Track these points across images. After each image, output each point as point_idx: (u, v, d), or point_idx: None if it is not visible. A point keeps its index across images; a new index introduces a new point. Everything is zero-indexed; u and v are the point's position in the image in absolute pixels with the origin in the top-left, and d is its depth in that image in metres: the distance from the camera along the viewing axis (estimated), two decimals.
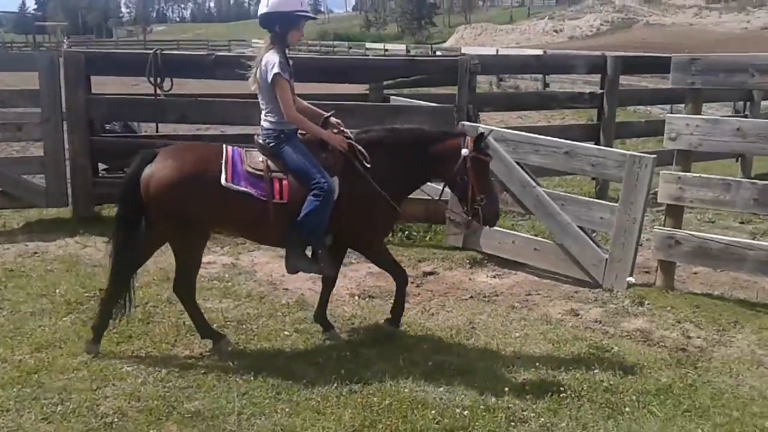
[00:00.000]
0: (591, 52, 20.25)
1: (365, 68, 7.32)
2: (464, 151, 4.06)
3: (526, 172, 5.84)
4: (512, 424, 3.41)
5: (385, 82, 7.34)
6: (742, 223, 7.46)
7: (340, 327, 4.54)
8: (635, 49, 33.63)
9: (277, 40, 4.02)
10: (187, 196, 3.81)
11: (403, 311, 4.50)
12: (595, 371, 3.94)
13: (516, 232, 6.31)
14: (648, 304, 5.08)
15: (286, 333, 4.45)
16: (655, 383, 3.80)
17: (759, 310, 4.96)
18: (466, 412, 3.47)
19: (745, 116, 9.58)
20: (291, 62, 4.13)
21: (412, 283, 5.56)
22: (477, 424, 3.38)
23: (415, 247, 6.44)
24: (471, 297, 5.32)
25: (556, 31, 62.24)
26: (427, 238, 6.70)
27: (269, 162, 3.98)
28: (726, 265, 5.29)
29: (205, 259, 5.92)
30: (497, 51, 23.15)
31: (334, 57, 12.83)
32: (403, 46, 38.65)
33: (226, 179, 3.84)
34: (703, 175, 5.35)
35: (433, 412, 3.48)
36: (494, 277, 5.82)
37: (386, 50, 34.89)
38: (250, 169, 3.93)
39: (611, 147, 7.35)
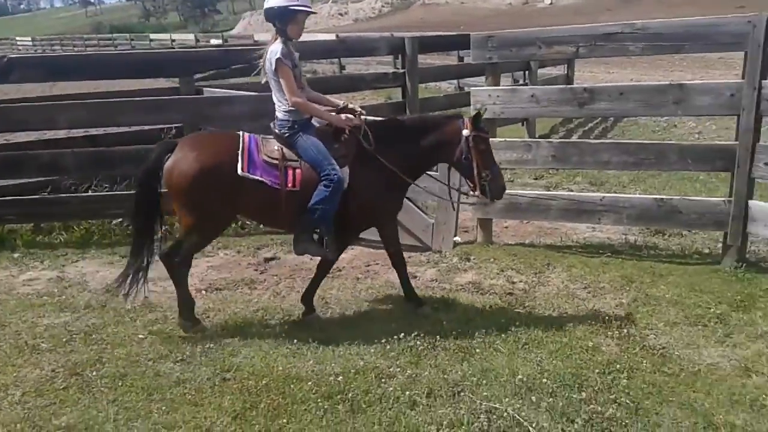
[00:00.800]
0: (382, 34, 21.18)
1: (181, 61, 7.12)
2: (465, 132, 4.26)
3: None
4: (382, 380, 3.69)
5: (198, 75, 7.21)
6: (536, 179, 8.44)
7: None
8: (418, 29, 35.66)
9: (279, 33, 4.20)
10: (207, 186, 4.04)
11: (412, 288, 4.72)
12: (444, 323, 4.36)
13: None
14: (474, 258, 5.65)
15: (141, 336, 4.35)
16: (495, 325, 4.30)
17: (565, 252, 5.75)
18: (339, 378, 3.69)
19: (525, 84, 10.76)
20: (297, 54, 4.31)
21: (256, 270, 5.66)
22: (352, 386, 3.62)
23: (251, 236, 6.50)
24: None
25: (341, 14, 63.82)
26: (261, 226, 6.78)
27: (284, 151, 4.20)
28: (533, 216, 6.03)
29: (26, 276, 5.56)
30: None
31: (146, 51, 12.10)
32: (190, 36, 37.19)
33: (242, 169, 4.07)
34: (507, 139, 6.03)
35: (310, 383, 3.66)
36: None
37: (173, 41, 33.44)
38: (265, 158, 4.15)
39: None
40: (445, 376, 3.72)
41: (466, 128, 4.26)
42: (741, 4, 37.92)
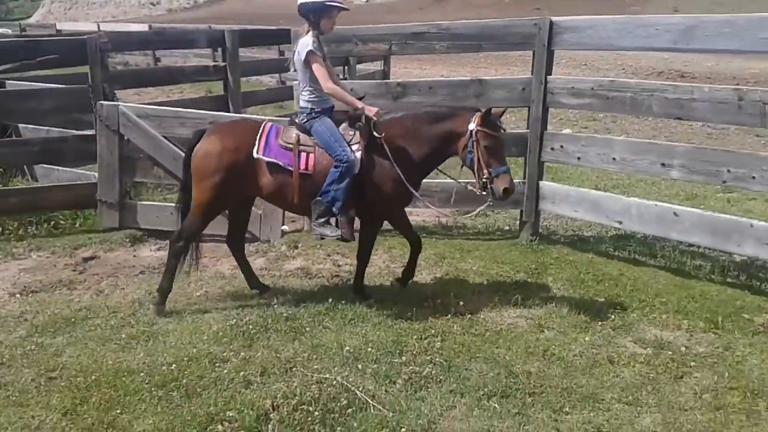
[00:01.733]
0: (199, 26, 20.63)
1: None
2: (471, 126, 4.23)
3: (176, 146, 6.08)
4: (217, 365, 3.81)
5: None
6: None
7: (11, 326, 4.33)
8: (236, 21, 35.06)
9: (312, 27, 4.36)
10: (224, 166, 4.32)
11: (413, 274, 4.89)
12: (275, 306, 4.55)
13: (173, 204, 6.55)
14: (301, 246, 5.88)
15: None
16: (323, 305, 4.57)
17: (385, 235, 6.14)
18: (173, 367, 3.75)
19: (344, 79, 11.15)
20: (326, 49, 4.47)
21: (74, 270, 5.46)
22: (186, 372, 3.71)
23: (67, 236, 6.22)
24: (141, 272, 5.45)
25: (152, 3, 60.79)
26: (77, 225, 6.51)
27: (301, 137, 4.40)
28: None
29: None
30: (98, 26, 21.81)
31: None
32: None
33: (257, 151, 4.34)
34: None
35: (142, 374, 3.69)
36: (159, 249, 5.99)
37: None
38: (282, 143, 4.37)
39: (238, 114, 7.96)
40: (278, 355, 3.92)
41: (474, 122, 4.23)
42: (537, 6, 41.61)
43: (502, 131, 4.29)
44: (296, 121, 4.52)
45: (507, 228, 6.47)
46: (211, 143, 4.40)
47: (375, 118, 4.32)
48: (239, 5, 56.99)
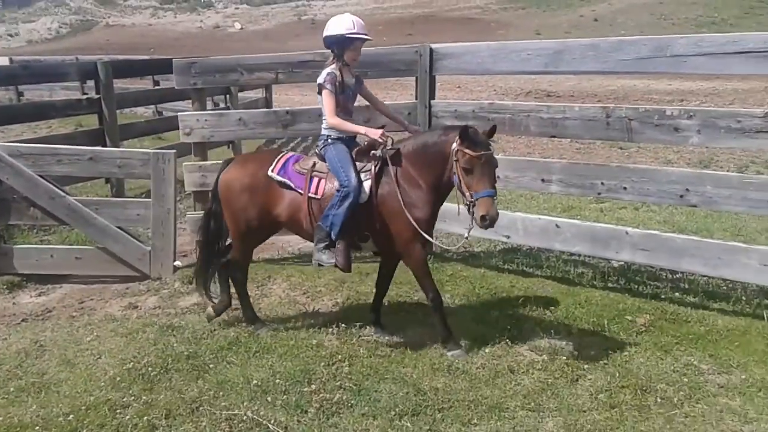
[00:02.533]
0: (65, 58, 19.61)
1: None
2: (453, 146, 4.02)
3: (52, 183, 5.77)
4: (117, 412, 3.63)
5: None
6: None
7: None
8: (101, 50, 33.68)
9: (336, 59, 4.42)
10: (243, 190, 4.46)
11: (449, 330, 4.39)
12: (174, 345, 4.40)
13: (53, 246, 6.21)
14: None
15: None
16: (225, 340, 4.47)
17: (283, 264, 6.13)
18: (70, 417, 3.55)
19: (227, 108, 11.02)
20: (353, 80, 4.57)
21: None
22: (85, 422, 3.52)
23: None
24: (24, 320, 5.12)
25: (11, 35, 57.25)
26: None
27: (318, 164, 4.43)
28: None
29: None
30: None
31: None
32: None
33: (272, 170, 4.44)
34: (220, 161, 6.21)
35: (37, 428, 3.46)
36: (39, 295, 5.65)
37: None
38: (297, 168, 4.43)
39: (119, 148, 7.67)
40: (182, 396, 3.79)
41: (455, 141, 3.97)
42: (409, 32, 42.94)
43: (486, 150, 3.87)
44: (316, 149, 4.61)
45: None
46: (233, 170, 4.59)
47: (380, 140, 4.25)
48: (107, 34, 54.86)
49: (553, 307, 4.98)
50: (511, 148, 11.82)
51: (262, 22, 59.68)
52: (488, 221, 3.84)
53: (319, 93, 4.42)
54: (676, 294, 5.24)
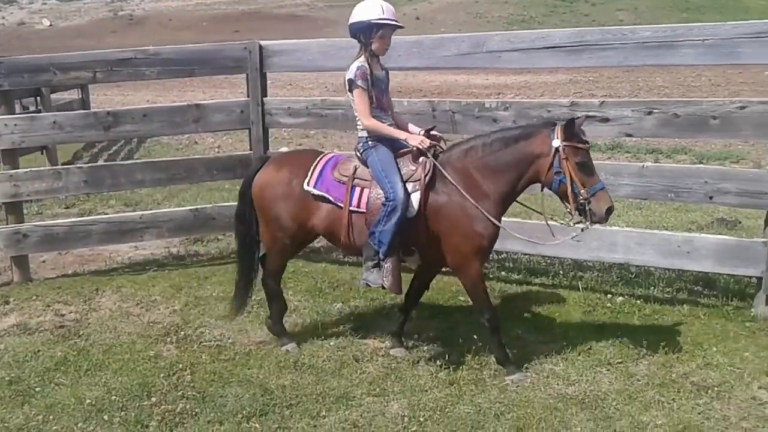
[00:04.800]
0: None
1: None
2: (555, 143, 3.65)
3: None
4: None
5: None
6: (67, 207, 8.09)
7: None
8: None
9: (364, 49, 3.97)
10: (276, 197, 4.09)
11: (506, 352, 3.99)
12: None
13: None
14: (14, 300, 5.23)
15: None
16: (53, 360, 4.14)
17: (112, 275, 5.77)
18: None
19: (39, 111, 10.13)
20: (384, 72, 4.12)
21: None
22: None
23: None
24: None
25: None
26: None
27: (359, 169, 3.97)
28: (73, 244, 5.84)
29: None
30: None
31: None
32: None
33: (308, 183, 4.00)
34: (33, 169, 5.72)
35: None
36: None
37: None
38: (337, 176, 3.98)
39: None
40: (6, 425, 3.47)
41: (557, 137, 3.67)
42: (236, 29, 42.05)
43: (589, 143, 3.72)
44: (356, 151, 4.13)
45: None
46: (267, 174, 4.20)
47: (421, 147, 3.89)
48: None
49: (394, 295, 5.13)
50: (345, 144, 12.01)
51: (74, 18, 55.58)
52: (612, 212, 3.71)
53: (350, 91, 4.00)
54: (503, 273, 5.63)
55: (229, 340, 4.45)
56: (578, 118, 3.73)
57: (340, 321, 4.71)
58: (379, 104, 4.06)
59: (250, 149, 6.08)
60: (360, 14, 3.96)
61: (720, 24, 4.57)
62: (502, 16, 45.26)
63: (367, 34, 3.97)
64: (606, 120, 4.80)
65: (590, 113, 4.83)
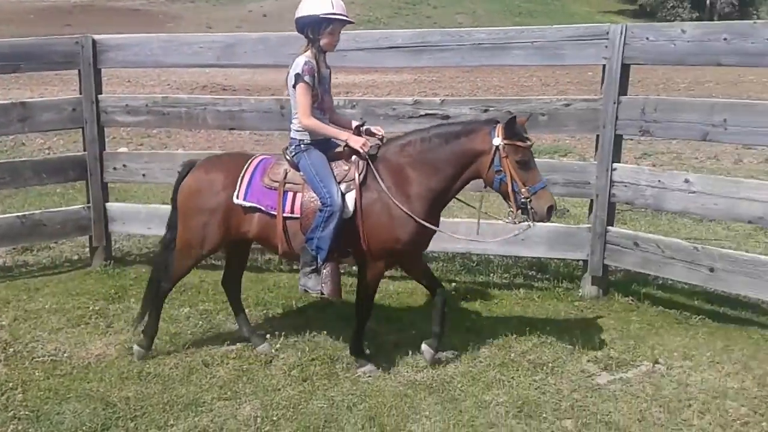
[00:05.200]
0: None
1: None
2: (495, 141, 3.61)
3: None
4: None
5: None
6: None
7: None
8: None
9: (311, 45, 3.81)
10: (200, 207, 3.90)
11: (362, 345, 4.04)
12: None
13: None
14: None
15: None
16: None
17: None
18: None
19: None
20: (329, 71, 3.95)
21: None
22: None
23: None
24: None
25: None
26: None
27: (290, 173, 3.85)
28: None
29: None
30: None
31: None
32: None
33: (237, 196, 3.84)
34: None
35: None
36: None
37: None
38: (267, 182, 3.84)
39: None
40: None
41: (497, 135, 3.61)
42: (68, 22, 39.29)
43: (530, 141, 3.70)
44: (285, 152, 3.95)
45: (76, 257, 6.08)
46: (195, 181, 3.99)
47: (362, 151, 3.75)
48: None
49: (244, 295, 5.04)
50: (190, 143, 11.62)
51: None
52: (554, 210, 3.70)
53: (294, 86, 3.79)
54: (353, 268, 5.71)
55: (65, 354, 4.16)
56: (520, 116, 3.75)
57: (188, 326, 4.56)
58: (321, 104, 3.92)
59: (84, 150, 5.70)
60: (308, 8, 3.79)
61: (546, 27, 4.94)
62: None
63: (316, 29, 3.81)
64: (447, 117, 5.01)
65: (432, 111, 5.05)
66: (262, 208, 3.84)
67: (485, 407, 3.57)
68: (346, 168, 3.82)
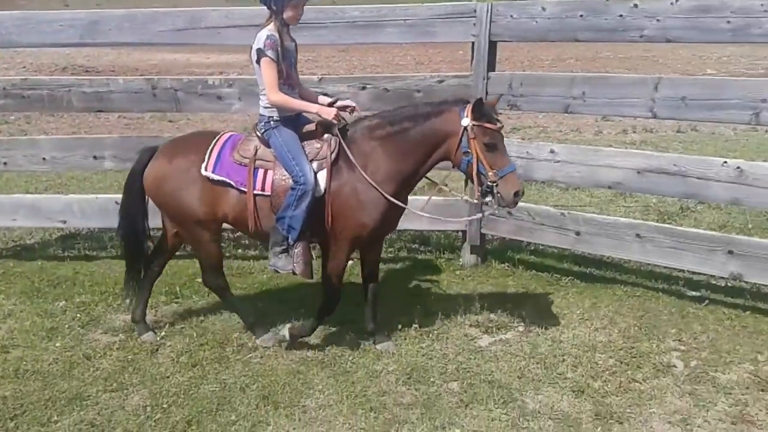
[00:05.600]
0: None
1: None
2: (464, 122, 3.54)
3: None
4: None
5: None
6: None
7: None
8: None
9: (274, 17, 3.66)
10: (175, 189, 3.74)
11: (308, 332, 4.01)
12: None
13: None
14: None
15: None
16: None
17: None
18: None
19: None
20: (294, 44, 3.83)
21: None
22: None
23: None
24: None
25: None
26: None
27: (260, 150, 3.74)
28: None
29: None
30: None
31: None
32: None
33: (205, 168, 3.71)
34: None
35: None
36: None
37: None
38: (237, 158, 3.73)
39: None
40: None
41: (466, 116, 3.53)
42: None
43: (500, 124, 3.58)
44: (255, 129, 3.83)
45: None
46: (161, 165, 3.82)
47: (334, 122, 3.69)
48: None
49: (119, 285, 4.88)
50: (53, 129, 10.94)
51: None
52: (521, 196, 3.61)
53: (257, 62, 3.66)
54: (239, 251, 5.66)
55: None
56: (490, 98, 3.69)
57: (65, 320, 4.35)
58: (288, 79, 3.77)
59: None
60: None
61: (417, 6, 5.06)
62: None
63: (279, 1, 3.64)
64: (326, 95, 5.03)
65: (311, 89, 5.03)
66: (232, 183, 3.71)
67: (376, 377, 3.69)
68: (318, 146, 3.74)
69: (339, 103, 3.89)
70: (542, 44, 4.85)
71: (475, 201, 3.75)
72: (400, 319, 4.33)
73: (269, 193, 3.70)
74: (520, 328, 4.28)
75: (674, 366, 3.81)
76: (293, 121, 3.83)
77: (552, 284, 4.99)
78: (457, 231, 5.50)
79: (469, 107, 3.57)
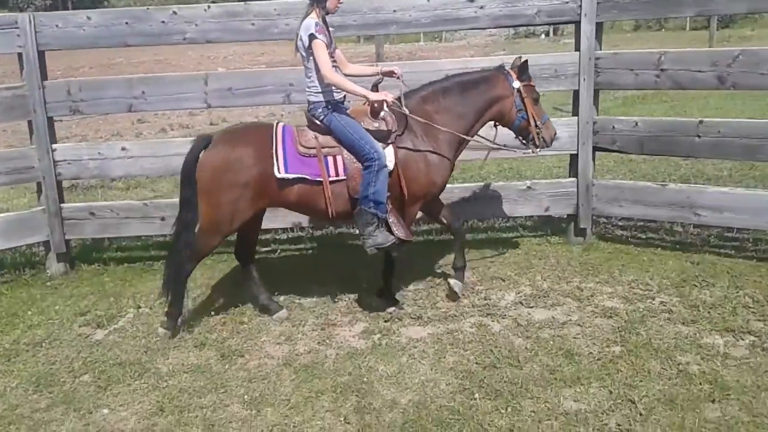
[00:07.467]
0: None
1: None
2: (515, 84, 4.09)
3: None
4: None
5: None
6: None
7: None
8: None
9: (317, 5, 3.84)
10: (231, 183, 3.82)
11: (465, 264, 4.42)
12: None
13: None
14: None
15: None
16: None
17: None
18: None
19: None
20: (332, 29, 4.00)
21: None
22: None
23: None
24: None
25: None
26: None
27: (320, 137, 3.89)
28: None
29: None
30: None
31: None
32: None
33: (278, 170, 3.82)
34: None
35: None
36: None
37: None
38: (301, 149, 3.86)
39: None
40: None
41: (515, 79, 4.12)
42: None
43: None
44: (310, 117, 3.95)
45: None
46: (219, 156, 3.84)
47: (390, 101, 3.87)
48: None
49: None
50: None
51: None
52: (556, 138, 4.38)
53: (309, 47, 3.77)
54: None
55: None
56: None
57: None
58: (333, 62, 3.92)
59: None
60: None
61: None
62: None
63: None
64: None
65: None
66: (308, 177, 3.86)
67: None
68: (377, 125, 3.98)
69: (383, 69, 4.20)
70: (94, 49, 5.00)
71: (530, 150, 4.31)
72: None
73: (344, 178, 3.92)
74: (130, 316, 4.54)
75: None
76: (342, 104, 4.04)
77: (146, 271, 5.32)
78: (40, 243, 5.36)
79: (514, 71, 4.18)
